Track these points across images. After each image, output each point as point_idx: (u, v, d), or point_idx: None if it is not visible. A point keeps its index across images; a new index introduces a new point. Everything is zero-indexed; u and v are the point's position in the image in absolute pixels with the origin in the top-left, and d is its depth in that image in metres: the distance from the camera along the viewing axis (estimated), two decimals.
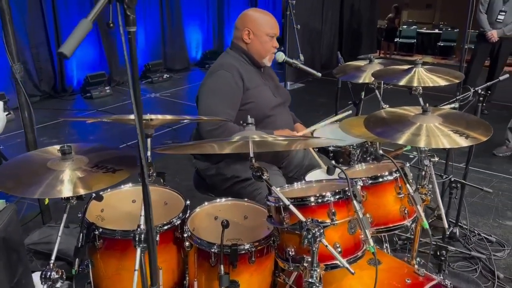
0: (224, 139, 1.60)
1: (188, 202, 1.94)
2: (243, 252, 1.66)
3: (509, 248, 2.82)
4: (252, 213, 2.02)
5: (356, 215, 1.49)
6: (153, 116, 1.38)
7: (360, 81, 2.71)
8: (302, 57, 2.44)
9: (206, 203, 1.96)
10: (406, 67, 2.46)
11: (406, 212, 1.71)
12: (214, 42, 8.65)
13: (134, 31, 0.87)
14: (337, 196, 1.49)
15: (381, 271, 1.68)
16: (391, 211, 1.72)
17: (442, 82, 2.33)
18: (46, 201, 2.60)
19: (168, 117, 1.51)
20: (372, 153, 2.60)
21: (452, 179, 2.56)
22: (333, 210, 1.48)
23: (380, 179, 1.73)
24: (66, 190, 1.37)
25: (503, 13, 4.91)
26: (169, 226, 1.77)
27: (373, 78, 2.68)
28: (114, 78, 6.74)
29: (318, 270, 1.31)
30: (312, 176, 2.24)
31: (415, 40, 12.15)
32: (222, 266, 1.64)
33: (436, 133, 1.85)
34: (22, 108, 2.31)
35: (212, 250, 1.67)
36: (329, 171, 1.54)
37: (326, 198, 1.48)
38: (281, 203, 1.52)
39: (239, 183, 2.23)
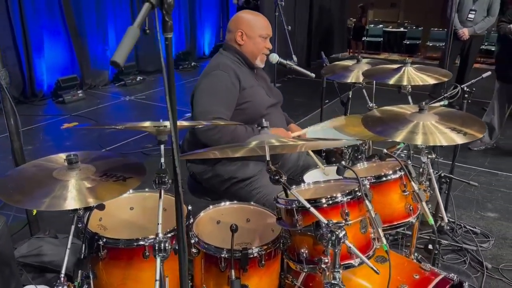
0: (241, 144, 1.57)
1: (190, 207, 1.92)
2: (253, 256, 1.66)
3: (493, 239, 2.92)
4: (255, 216, 2.01)
5: (368, 214, 1.52)
6: (167, 123, 1.35)
7: (348, 80, 2.76)
8: (295, 58, 2.46)
9: (211, 207, 1.93)
10: (395, 66, 2.51)
11: (411, 209, 1.75)
12: (187, 43, 8.56)
13: (171, 37, 0.85)
14: (350, 196, 1.51)
15: (391, 268, 1.71)
16: (396, 209, 1.76)
17: (431, 81, 2.40)
18: (34, 212, 2.50)
19: (184, 123, 1.48)
20: (363, 152, 2.65)
21: (442, 175, 2.63)
22: (347, 211, 1.49)
23: (386, 178, 1.76)
24: (76, 201, 1.32)
25: (473, 12, 5.09)
26: (174, 233, 1.74)
27: (360, 78, 2.73)
28: (86, 81, 6.57)
29: (341, 271, 1.31)
30: (310, 175, 2.25)
31: (381, 39, 12.41)
32: (233, 271, 1.63)
33: (433, 130, 1.89)
34: (7, 115, 2.21)
35: (222, 255, 1.65)
36: (339, 171, 1.55)
37: (340, 199, 1.49)
38: (294, 205, 1.53)
39: (237, 183, 2.22)
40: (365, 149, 2.63)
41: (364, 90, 2.89)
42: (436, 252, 2.40)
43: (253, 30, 2.23)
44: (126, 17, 7.16)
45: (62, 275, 1.44)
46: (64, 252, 2.42)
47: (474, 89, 2.55)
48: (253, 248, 1.66)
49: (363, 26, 11.75)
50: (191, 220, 1.83)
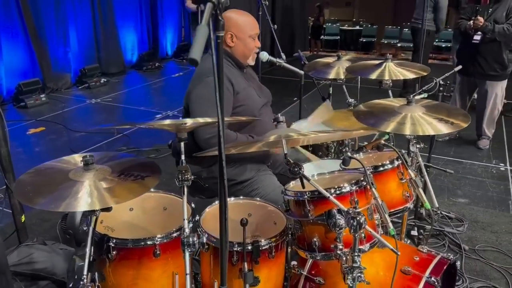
0: (259, 138, 1.60)
1: (193, 205, 1.94)
2: (264, 248, 1.71)
3: (467, 223, 3.12)
4: (256, 210, 2.06)
5: (374, 201, 1.60)
6: (188, 121, 1.38)
7: (329, 76, 2.86)
8: (284, 56, 2.51)
9: (214, 204, 1.96)
10: (377, 62, 2.63)
11: (407, 195, 1.86)
12: (149, 43, 8.45)
13: (222, 36, 0.88)
14: (358, 186, 1.59)
15: (389, 252, 1.81)
16: (395, 196, 1.86)
17: (411, 75, 2.54)
18: (23, 219, 2.42)
19: (201, 120, 1.50)
20: (347, 145, 2.76)
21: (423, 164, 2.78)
22: (356, 199, 1.57)
23: (384, 167, 1.86)
24: (98, 202, 1.32)
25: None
26: (179, 232, 1.75)
27: (341, 74, 2.84)
28: (48, 85, 6.34)
29: (361, 255, 1.39)
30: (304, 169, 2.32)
31: (338, 37, 12.73)
32: (245, 264, 1.68)
33: (421, 121, 2.02)
34: None
35: (234, 249, 1.69)
36: (345, 162, 1.63)
37: (349, 188, 1.57)
38: (305, 196, 1.59)
39: (235, 185, 2.24)
40: (349, 142, 2.74)
41: (344, 86, 3.02)
42: (421, 237, 2.54)
43: (243, 31, 2.23)
44: (87, 18, 6.98)
45: (84, 276, 1.42)
46: (56, 258, 2.39)
47: (448, 82, 2.72)
48: (264, 240, 1.71)
49: (321, 25, 12.02)
50: (197, 217, 1.86)
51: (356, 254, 1.37)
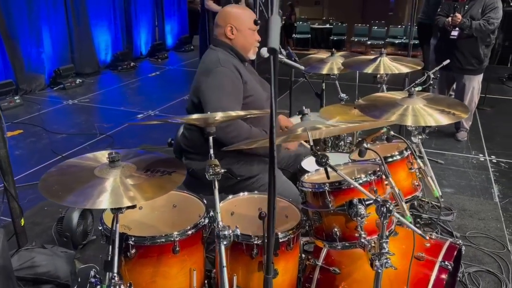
0: (290, 131, 1.62)
1: (205, 201, 1.95)
2: (282, 240, 1.73)
3: (455, 211, 3.24)
4: (265, 204, 2.07)
5: (391, 190, 1.66)
6: (221, 114, 1.38)
7: (323, 72, 2.91)
8: (284, 52, 2.54)
9: (229, 198, 1.97)
10: (372, 56, 2.70)
11: (416, 184, 1.93)
12: (124, 43, 8.29)
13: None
14: (376, 175, 1.64)
15: (401, 240, 1.88)
16: (405, 185, 1.93)
17: (405, 70, 2.62)
18: (22, 222, 2.35)
19: (232, 113, 1.50)
20: (343, 139, 2.82)
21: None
22: (375, 188, 1.62)
23: (394, 158, 1.92)
24: (127, 199, 1.31)
25: None
26: (198, 227, 1.75)
27: (335, 70, 2.90)
28: (21, 86, 6.14)
29: (388, 241, 1.44)
30: (308, 162, 2.36)
31: (309, 35, 12.88)
32: (265, 257, 1.69)
33: (422, 113, 2.09)
34: None
35: (255, 242, 1.70)
36: (361, 153, 1.67)
37: (369, 178, 1.62)
38: (326, 188, 1.63)
39: (242, 181, 2.25)
40: (345, 136, 2.81)
41: (337, 82, 3.08)
42: (418, 226, 2.63)
43: (242, 23, 2.27)
44: (61, 18, 6.79)
45: (115, 274, 1.40)
46: (58, 261, 2.33)
47: (438, 75, 2.82)
48: (281, 233, 1.74)
49: (293, 23, 12.14)
50: (211, 213, 1.86)
51: (384, 240, 1.41)
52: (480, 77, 4.45)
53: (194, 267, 1.80)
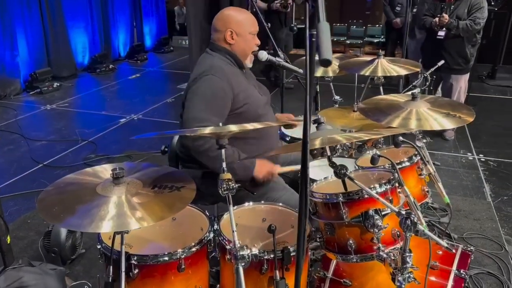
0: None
1: (207, 213, 1.85)
2: (293, 253, 1.65)
3: (450, 212, 3.23)
4: (270, 215, 1.99)
5: (406, 199, 1.60)
6: (233, 127, 1.29)
7: (317, 74, 2.85)
8: (282, 55, 2.46)
9: (234, 208, 1.87)
10: (368, 58, 2.65)
11: (426, 190, 1.88)
12: (101, 45, 8.07)
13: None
14: (391, 184, 1.58)
15: (413, 248, 1.82)
16: (414, 192, 1.88)
17: (403, 72, 2.58)
18: (8, 240, 2.20)
19: (249, 126, 1.41)
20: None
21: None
22: (390, 198, 1.55)
23: (403, 164, 1.86)
24: (136, 220, 1.20)
25: (400, 6, 5.93)
26: (202, 243, 1.66)
27: (329, 72, 2.84)
28: None
29: (412, 255, 1.37)
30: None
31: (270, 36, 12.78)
32: (277, 272, 1.61)
33: (426, 116, 2.05)
34: None
35: (266, 257, 1.62)
36: (374, 161, 1.61)
37: (385, 188, 1.55)
38: (340, 199, 1.56)
39: (244, 189, 2.16)
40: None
41: (331, 84, 3.02)
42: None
43: (243, 27, 2.18)
44: (36, 20, 6.54)
45: None
46: (48, 280, 2.20)
47: (434, 76, 2.79)
48: (292, 245, 1.65)
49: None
50: (215, 227, 1.77)
51: (407, 254, 1.35)
52: (466, 77, 4.48)
53: (199, 284, 1.71)
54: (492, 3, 5.94)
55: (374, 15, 13.69)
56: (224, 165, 1.36)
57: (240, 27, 2.17)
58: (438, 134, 4.77)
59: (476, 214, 3.25)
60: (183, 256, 1.59)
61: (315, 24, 0.73)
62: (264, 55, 2.30)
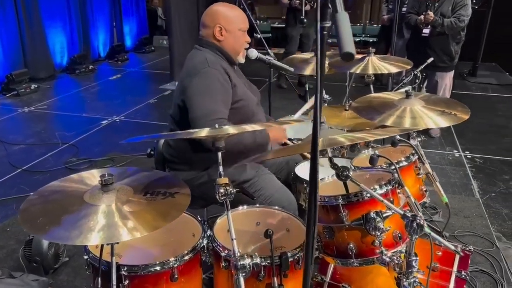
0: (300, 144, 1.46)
1: (199, 217, 1.78)
2: (292, 259, 1.59)
3: (441, 210, 3.21)
4: (264, 218, 1.93)
5: (407, 200, 1.55)
6: (231, 129, 1.21)
7: (306, 73, 2.79)
8: (272, 53, 2.39)
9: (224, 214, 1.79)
10: (359, 56, 2.60)
11: (424, 190, 1.83)
12: (80, 45, 7.86)
13: (328, 27, 0.76)
14: (391, 185, 1.53)
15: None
16: (413, 192, 1.81)
17: (394, 69, 2.54)
18: None
19: (247, 127, 1.33)
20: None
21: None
22: (392, 199, 1.50)
23: (400, 164, 1.81)
24: (128, 231, 1.11)
25: (392, 3, 6.05)
26: (196, 250, 1.59)
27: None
28: None
29: (418, 259, 1.32)
30: (301, 168, 2.23)
31: (270, 35, 12.81)
32: (275, 279, 1.55)
33: (421, 114, 2.01)
34: None
35: (263, 264, 1.55)
36: (373, 161, 1.56)
37: (386, 188, 1.50)
38: (339, 201, 1.50)
39: (236, 186, 2.08)
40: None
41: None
42: None
43: (232, 23, 2.11)
44: (11, 19, 6.32)
45: None
46: None
47: (424, 74, 2.77)
48: (290, 251, 1.59)
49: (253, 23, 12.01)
50: (208, 232, 1.69)
51: (413, 258, 1.30)
52: (451, 74, 4.50)
53: None
54: (473, 1, 6.00)
55: (355, 14, 13.76)
56: (221, 169, 1.28)
57: (229, 23, 2.10)
58: (424, 132, 4.77)
59: (466, 211, 3.25)
60: (175, 265, 1.51)
61: (332, 15, 0.66)
62: (254, 53, 2.24)
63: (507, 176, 3.82)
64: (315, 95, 0.78)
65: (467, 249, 1.79)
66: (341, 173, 1.27)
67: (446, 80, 4.45)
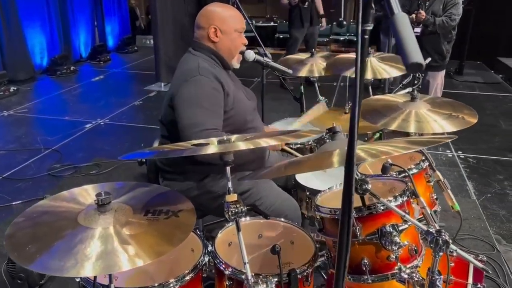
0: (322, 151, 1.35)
1: (199, 232, 1.66)
2: (301, 276, 1.49)
3: (438, 213, 3.15)
4: (266, 230, 1.82)
5: (421, 210, 1.46)
6: (241, 144, 1.10)
7: (302, 74, 2.70)
8: (269, 55, 2.29)
9: (228, 225, 1.68)
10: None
11: (435, 198, 1.75)
12: (61, 46, 7.63)
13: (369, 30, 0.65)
14: (406, 196, 1.44)
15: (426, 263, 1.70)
16: (424, 200, 1.74)
17: (395, 73, 2.44)
18: None
19: (261, 142, 1.22)
20: None
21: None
22: (407, 211, 1.42)
23: (412, 171, 1.73)
24: (130, 259, 0.99)
25: None
26: (197, 269, 1.47)
27: (315, 72, 2.69)
28: None
29: (442, 277, 1.23)
30: (302, 176, 2.14)
31: (254, 34, 12.65)
32: None
33: (426, 118, 1.93)
34: None
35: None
36: (385, 170, 1.46)
37: (400, 200, 1.41)
38: (353, 214, 1.40)
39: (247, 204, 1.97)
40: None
41: (316, 85, 2.87)
42: None
43: (228, 24, 2.00)
44: None
45: None
46: None
47: (423, 75, 2.70)
48: (299, 267, 1.49)
49: None
50: (210, 248, 1.58)
51: (437, 277, 1.21)
52: (443, 73, 4.46)
53: None
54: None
55: (339, 12, 13.76)
56: (229, 184, 1.17)
57: (224, 23, 1.99)
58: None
59: (464, 213, 3.19)
60: (176, 287, 1.39)
61: (388, 17, 0.56)
62: (251, 55, 2.13)
63: (501, 176, 3.79)
64: (353, 105, 0.68)
65: (479, 258, 1.71)
66: (359, 187, 1.17)
67: (438, 80, 4.41)
